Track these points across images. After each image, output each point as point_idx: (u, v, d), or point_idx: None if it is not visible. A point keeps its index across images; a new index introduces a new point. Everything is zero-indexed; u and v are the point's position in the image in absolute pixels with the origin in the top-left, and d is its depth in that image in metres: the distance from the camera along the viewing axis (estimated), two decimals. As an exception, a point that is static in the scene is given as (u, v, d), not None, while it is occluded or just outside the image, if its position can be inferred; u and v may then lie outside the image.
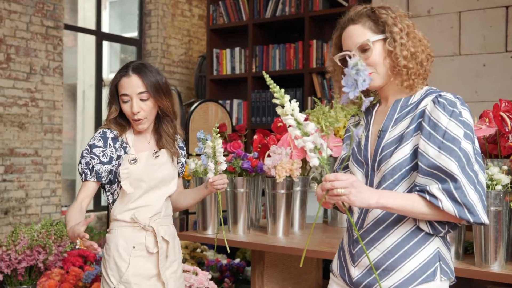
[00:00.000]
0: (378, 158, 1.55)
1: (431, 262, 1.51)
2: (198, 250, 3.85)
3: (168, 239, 2.09)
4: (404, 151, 1.51)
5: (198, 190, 2.24)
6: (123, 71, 2.05)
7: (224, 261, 3.94)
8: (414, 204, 1.45)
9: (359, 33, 1.56)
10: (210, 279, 3.03)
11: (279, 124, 2.87)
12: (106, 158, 2.03)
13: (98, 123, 5.79)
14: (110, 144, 2.05)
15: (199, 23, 6.52)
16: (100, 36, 5.90)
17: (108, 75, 6.49)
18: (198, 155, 2.72)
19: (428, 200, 1.44)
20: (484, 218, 1.42)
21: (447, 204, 1.41)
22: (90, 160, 2.02)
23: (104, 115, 5.74)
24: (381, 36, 1.55)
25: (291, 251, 2.42)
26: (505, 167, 1.96)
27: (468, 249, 2.16)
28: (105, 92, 6.68)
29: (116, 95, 2.07)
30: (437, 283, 1.51)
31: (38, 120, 4.93)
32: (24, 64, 4.82)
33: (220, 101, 5.40)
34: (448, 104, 1.47)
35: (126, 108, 2.04)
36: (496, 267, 1.93)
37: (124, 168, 2.02)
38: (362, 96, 1.38)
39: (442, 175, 1.43)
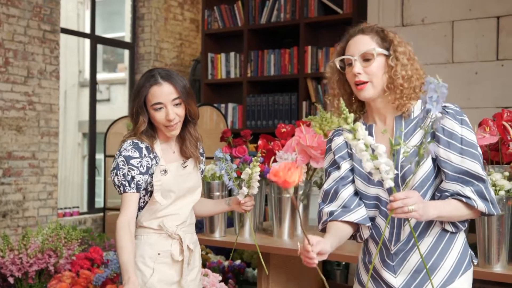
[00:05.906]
0: (400, 174, 1.64)
1: (464, 253, 1.69)
2: (203, 253, 3.92)
3: (192, 248, 2.12)
4: (428, 163, 1.62)
5: (218, 204, 2.28)
6: (151, 80, 2.01)
7: (226, 262, 4.01)
8: (457, 207, 1.59)
9: (365, 42, 1.67)
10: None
11: (283, 130, 2.96)
12: (144, 168, 2.02)
13: (92, 123, 5.80)
14: (145, 155, 2.03)
15: (190, 26, 6.59)
16: (95, 40, 5.94)
17: (88, 75, 6.45)
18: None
19: (464, 202, 1.58)
20: (499, 210, 1.65)
21: (480, 204, 1.57)
22: (129, 171, 1.99)
23: (99, 115, 5.84)
24: (385, 52, 1.66)
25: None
26: (507, 173, 2.07)
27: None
28: (99, 95, 6.66)
29: (143, 105, 2.03)
30: (472, 268, 1.72)
31: (35, 123, 4.96)
32: (22, 68, 4.84)
33: (215, 105, 5.47)
34: (455, 113, 1.62)
35: (159, 116, 2.01)
36: (498, 268, 2.04)
37: (157, 180, 2.03)
38: (437, 114, 1.48)
39: (469, 178, 1.58)
